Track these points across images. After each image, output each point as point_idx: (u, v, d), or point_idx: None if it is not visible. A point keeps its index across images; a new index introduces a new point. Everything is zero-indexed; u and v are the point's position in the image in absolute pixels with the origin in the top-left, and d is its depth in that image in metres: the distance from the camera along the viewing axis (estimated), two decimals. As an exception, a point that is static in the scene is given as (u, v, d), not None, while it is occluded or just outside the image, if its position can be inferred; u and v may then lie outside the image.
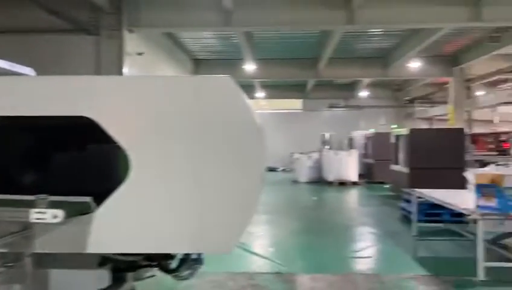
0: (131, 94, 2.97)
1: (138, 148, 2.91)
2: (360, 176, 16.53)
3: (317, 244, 6.75)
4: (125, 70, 10.00)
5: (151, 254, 3.28)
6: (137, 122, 2.95)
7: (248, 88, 22.01)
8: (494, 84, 20.11)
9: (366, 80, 20.63)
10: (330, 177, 15.58)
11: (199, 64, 17.32)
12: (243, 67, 16.32)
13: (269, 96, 24.12)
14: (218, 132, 2.94)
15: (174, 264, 3.60)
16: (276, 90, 23.42)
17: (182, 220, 2.91)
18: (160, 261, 3.46)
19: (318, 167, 16.66)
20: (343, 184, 15.29)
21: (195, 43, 15.06)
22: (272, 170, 22.42)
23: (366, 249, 6.39)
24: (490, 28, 12.05)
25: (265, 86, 22.52)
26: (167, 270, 3.56)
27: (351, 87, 23.70)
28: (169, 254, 3.42)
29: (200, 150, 2.89)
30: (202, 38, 14.39)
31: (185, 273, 3.55)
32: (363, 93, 23.41)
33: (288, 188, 15.36)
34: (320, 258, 5.85)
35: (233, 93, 3.03)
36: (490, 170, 6.17)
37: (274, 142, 22.11)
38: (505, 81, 19.08)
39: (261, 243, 6.80)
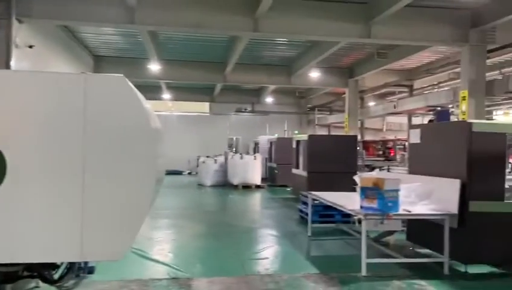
0: (8, 90, 2.72)
1: (14, 150, 2.67)
2: (265, 179, 17.03)
3: (218, 247, 6.79)
4: (13, 63, 9.10)
5: (31, 264, 3.03)
6: (14, 122, 2.71)
7: (153, 89, 21.42)
8: (383, 96, 22.19)
9: (272, 87, 21.37)
10: (235, 180, 15.81)
11: (100, 61, 16.42)
12: (148, 66, 15.86)
13: (176, 98, 23.77)
14: (108, 134, 2.81)
15: (58, 274, 3.36)
16: (184, 92, 23.16)
17: (64, 227, 2.73)
18: (41, 271, 3.21)
19: (224, 170, 16.80)
20: (247, 187, 15.61)
21: (96, 39, 14.25)
22: (177, 173, 22.06)
23: (264, 251, 6.59)
24: (379, 45, 13.27)
25: (172, 88, 22.14)
26: (49, 281, 3.31)
27: (257, 92, 24.36)
28: (52, 263, 3.19)
29: (86, 153, 2.74)
30: (104, 34, 13.67)
31: (69, 283, 3.32)
32: (269, 99, 24.21)
33: (193, 192, 15.25)
34: (220, 262, 5.89)
35: (127, 93, 2.93)
36: (374, 174, 6.77)
37: (180, 145, 21.84)
38: (393, 93, 21.16)
39: (160, 249, 6.64)
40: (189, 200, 13.19)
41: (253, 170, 15.92)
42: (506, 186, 5.54)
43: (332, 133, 23.90)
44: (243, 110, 24.84)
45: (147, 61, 15.48)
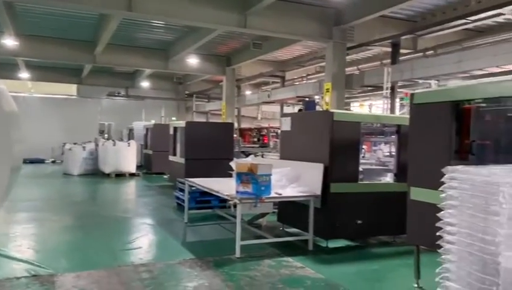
0: None
1: None
2: (140, 167, 16.42)
3: (86, 240, 6.35)
4: None
5: None
6: None
7: (8, 67, 18.93)
8: (258, 86, 23.12)
9: (148, 71, 20.58)
10: (107, 169, 14.92)
11: None
12: (2, 41, 13.91)
13: (37, 79, 21.33)
14: None
15: None
16: (47, 72, 20.90)
17: None
18: None
19: (94, 158, 15.71)
20: (121, 176, 14.87)
21: None
22: (38, 161, 19.93)
23: (137, 240, 6.38)
24: (254, 35, 13.73)
25: (32, 66, 19.77)
26: None
27: (132, 76, 23.22)
28: None
29: None
30: None
31: None
32: (145, 84, 23.29)
33: (58, 182, 13.96)
34: (88, 255, 5.52)
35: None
36: (249, 160, 7.04)
37: (42, 131, 19.75)
38: (267, 83, 22.18)
39: (17, 245, 5.94)
40: (53, 190, 12.04)
41: (127, 157, 15.20)
42: (360, 169, 6.27)
43: (211, 120, 24.10)
44: (116, 94, 23.49)
45: (1, 35, 13.56)
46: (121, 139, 18.56)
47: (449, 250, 2.81)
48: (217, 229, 7.29)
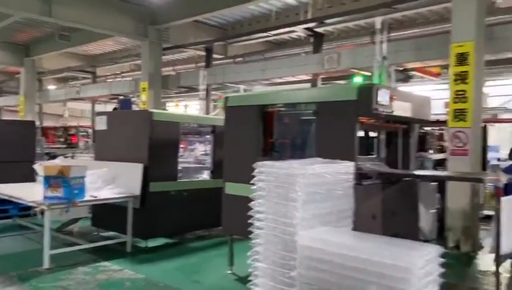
0: None
1: None
2: None
3: None
4: None
5: None
6: None
7: None
8: (65, 80, 21.09)
9: None
10: None
11: None
12: None
13: None
14: None
15: None
16: None
17: None
18: None
19: None
20: None
21: None
22: None
23: None
24: (60, 26, 12.51)
25: None
26: None
27: None
28: None
29: None
30: None
31: None
32: None
33: None
34: None
35: None
36: (58, 162, 6.45)
37: None
38: (76, 78, 20.43)
39: None
40: None
41: None
42: (179, 167, 6.47)
43: (4, 117, 20.79)
44: None
45: None
46: None
47: (258, 235, 3.22)
48: (20, 240, 6.44)
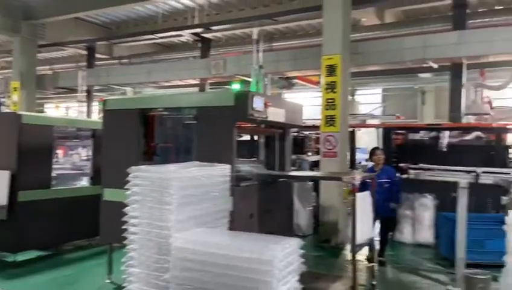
0: None
1: None
2: None
3: None
4: None
5: None
6: None
7: None
8: None
9: None
10: None
11: None
12: None
13: None
14: None
15: None
16: None
17: None
18: None
19: None
20: None
21: None
22: None
23: None
24: None
25: None
26: None
27: None
28: None
29: None
30: None
31: None
32: None
33: None
34: None
35: None
36: None
37: None
38: None
39: None
40: None
41: None
42: (54, 174, 6.04)
43: None
44: None
45: None
46: None
47: (133, 240, 3.21)
48: None
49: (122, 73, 11.64)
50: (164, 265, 2.98)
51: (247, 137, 8.10)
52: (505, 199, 4.68)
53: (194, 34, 10.80)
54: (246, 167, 4.81)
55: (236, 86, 9.45)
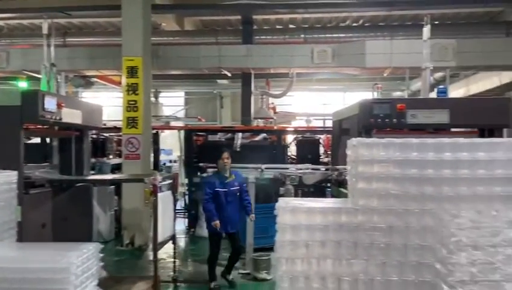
0: None
1: None
2: None
3: None
4: None
5: None
6: None
7: None
8: None
9: None
10: None
11: None
12: None
13: None
14: None
15: None
16: None
17: None
18: None
19: None
20: None
21: None
22: None
23: None
24: None
25: None
26: None
27: None
28: None
29: None
30: None
31: None
32: None
33: None
34: None
35: None
36: None
37: None
38: None
39: None
40: None
41: None
42: None
43: None
44: None
45: None
46: None
47: None
48: None
49: None
50: None
51: (37, 140, 7.30)
52: (282, 190, 5.57)
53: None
54: (37, 172, 4.42)
55: (23, 84, 8.38)
